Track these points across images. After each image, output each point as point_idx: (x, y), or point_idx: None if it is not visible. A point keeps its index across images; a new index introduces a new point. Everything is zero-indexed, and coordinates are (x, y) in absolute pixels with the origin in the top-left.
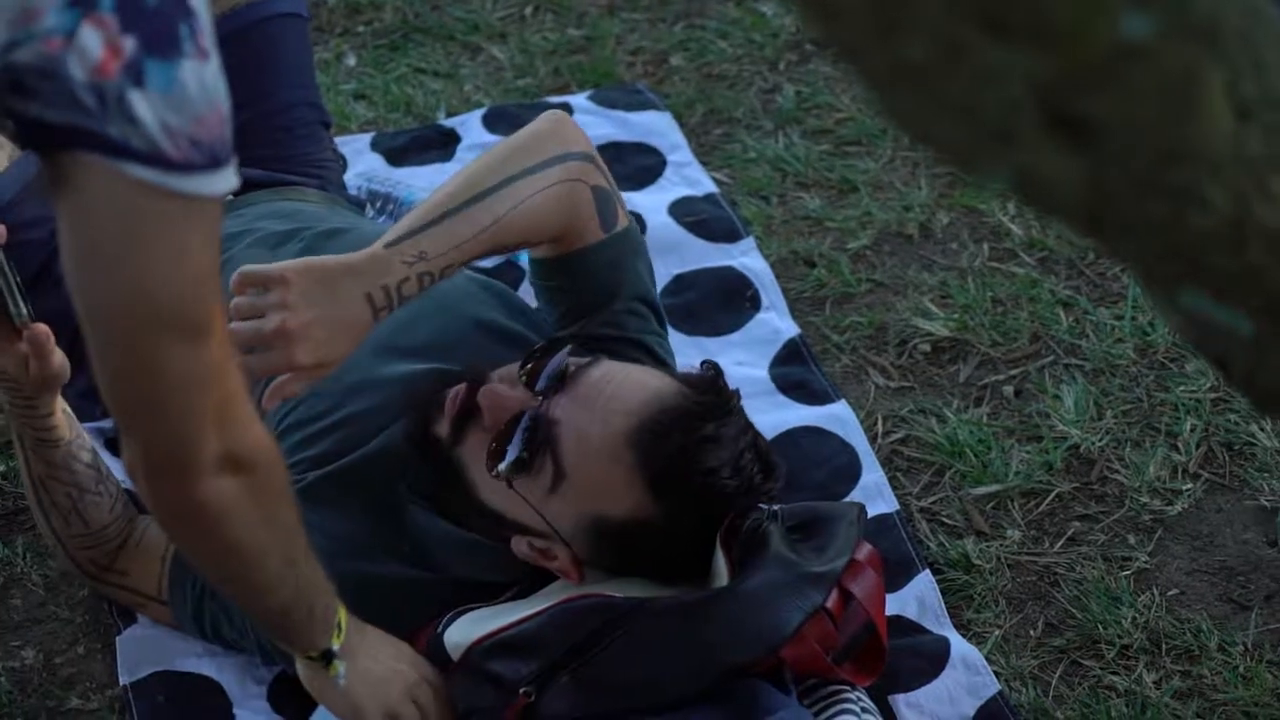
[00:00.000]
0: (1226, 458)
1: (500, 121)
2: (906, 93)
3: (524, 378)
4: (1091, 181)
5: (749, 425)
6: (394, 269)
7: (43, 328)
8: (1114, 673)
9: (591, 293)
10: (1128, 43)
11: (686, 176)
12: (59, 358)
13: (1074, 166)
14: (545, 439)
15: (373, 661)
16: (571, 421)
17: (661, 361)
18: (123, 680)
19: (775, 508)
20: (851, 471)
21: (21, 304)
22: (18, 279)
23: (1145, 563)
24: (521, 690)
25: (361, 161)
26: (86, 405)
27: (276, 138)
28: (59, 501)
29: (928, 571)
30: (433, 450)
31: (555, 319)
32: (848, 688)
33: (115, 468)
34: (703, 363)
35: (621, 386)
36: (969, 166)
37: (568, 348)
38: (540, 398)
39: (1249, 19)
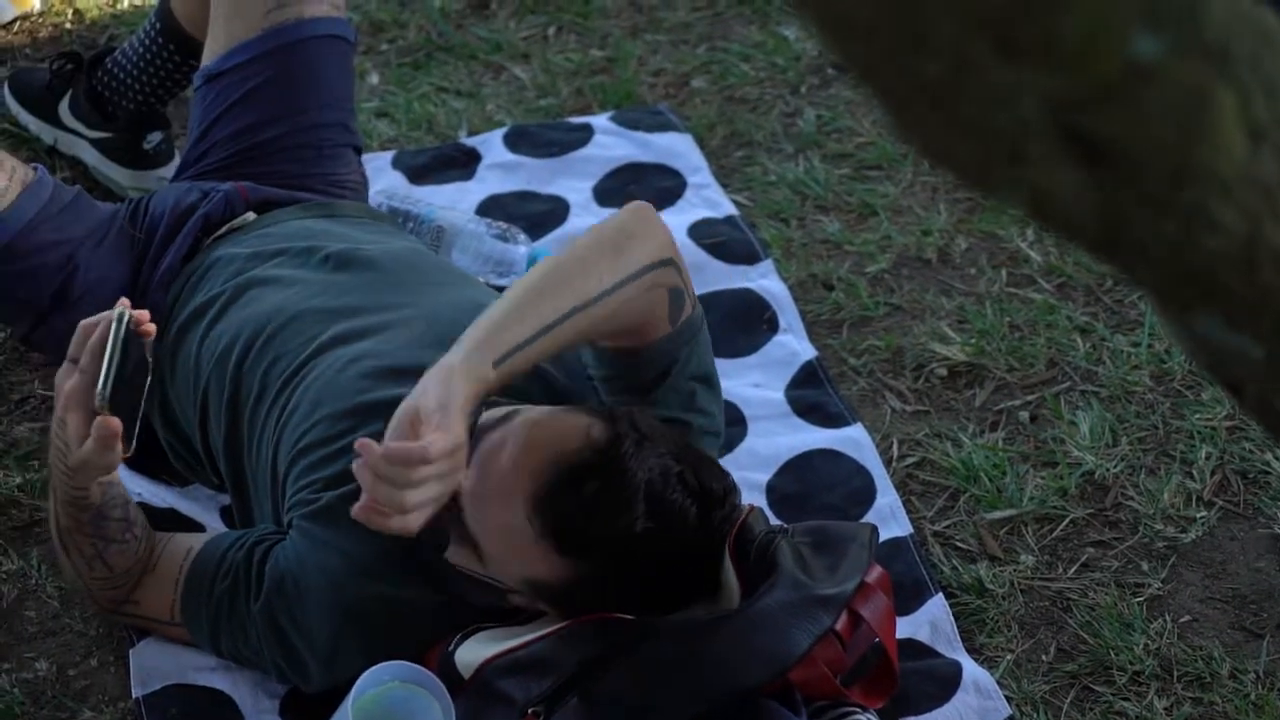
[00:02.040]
0: (1241, 486)
1: (522, 141)
2: (920, 112)
3: None
4: (1103, 201)
5: (676, 460)
6: (494, 387)
7: (115, 423)
8: (1125, 699)
9: (643, 378)
10: (1138, 63)
11: (706, 198)
12: (115, 456)
13: (1085, 186)
14: (455, 511)
15: None
16: (472, 494)
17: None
18: (135, 693)
19: (787, 526)
20: (866, 494)
21: (106, 386)
22: (117, 362)
23: (1158, 589)
24: (530, 710)
25: (382, 179)
26: None
27: (304, 155)
28: (83, 550)
29: (941, 595)
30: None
31: (605, 397)
32: (858, 709)
33: (134, 482)
34: (606, 406)
35: (514, 452)
36: (982, 186)
37: (491, 399)
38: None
39: (1261, 42)
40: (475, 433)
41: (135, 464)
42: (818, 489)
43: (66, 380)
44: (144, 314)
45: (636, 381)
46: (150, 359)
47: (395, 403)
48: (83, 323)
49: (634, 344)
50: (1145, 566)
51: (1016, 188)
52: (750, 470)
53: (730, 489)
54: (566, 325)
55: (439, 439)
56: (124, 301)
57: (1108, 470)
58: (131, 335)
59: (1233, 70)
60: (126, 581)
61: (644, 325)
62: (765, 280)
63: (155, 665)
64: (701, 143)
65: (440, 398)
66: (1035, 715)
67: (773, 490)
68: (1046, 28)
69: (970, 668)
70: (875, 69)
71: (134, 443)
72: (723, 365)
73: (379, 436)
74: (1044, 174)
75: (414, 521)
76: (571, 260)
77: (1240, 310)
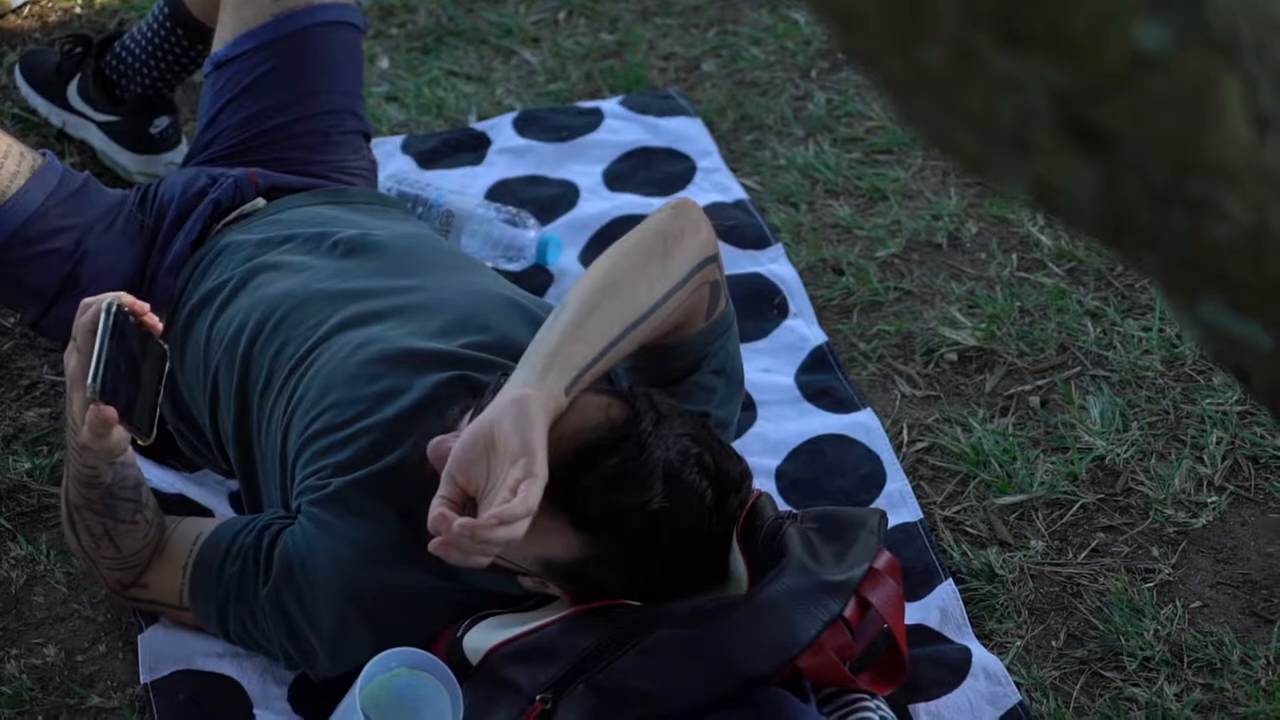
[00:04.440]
0: (1252, 471)
1: (531, 125)
2: (924, 100)
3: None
4: (1108, 191)
5: (694, 441)
6: (562, 405)
7: (109, 412)
8: (1135, 685)
9: (671, 371)
10: (1143, 53)
11: (716, 183)
12: (115, 440)
13: (1090, 176)
14: None
15: None
16: None
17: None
18: (143, 679)
19: (795, 511)
20: (876, 480)
21: (96, 378)
22: (106, 352)
23: (1168, 575)
24: (538, 697)
25: (392, 164)
26: None
27: (313, 142)
28: (91, 528)
29: (950, 581)
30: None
31: (627, 384)
32: (867, 696)
33: (143, 467)
34: (629, 386)
35: None
36: (985, 174)
37: (502, 382)
38: None
39: (1267, 30)
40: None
41: (143, 449)
42: (827, 474)
43: (69, 359)
44: (142, 306)
45: (664, 374)
46: (166, 347)
47: (404, 389)
48: (84, 301)
49: (668, 340)
50: (1156, 552)
51: (1021, 177)
52: (760, 456)
53: (745, 474)
54: (627, 340)
55: (533, 488)
56: (120, 295)
57: (1118, 455)
58: (129, 325)
59: (1239, 59)
60: (136, 563)
61: (685, 323)
62: (775, 265)
63: (164, 651)
64: (711, 127)
65: (523, 436)
66: (1045, 701)
67: (782, 476)
68: (1051, 18)
69: (980, 653)
70: (878, 58)
71: (154, 431)
72: None
73: (388, 422)
74: (1048, 164)
75: (493, 553)
76: (624, 269)
77: (1248, 298)
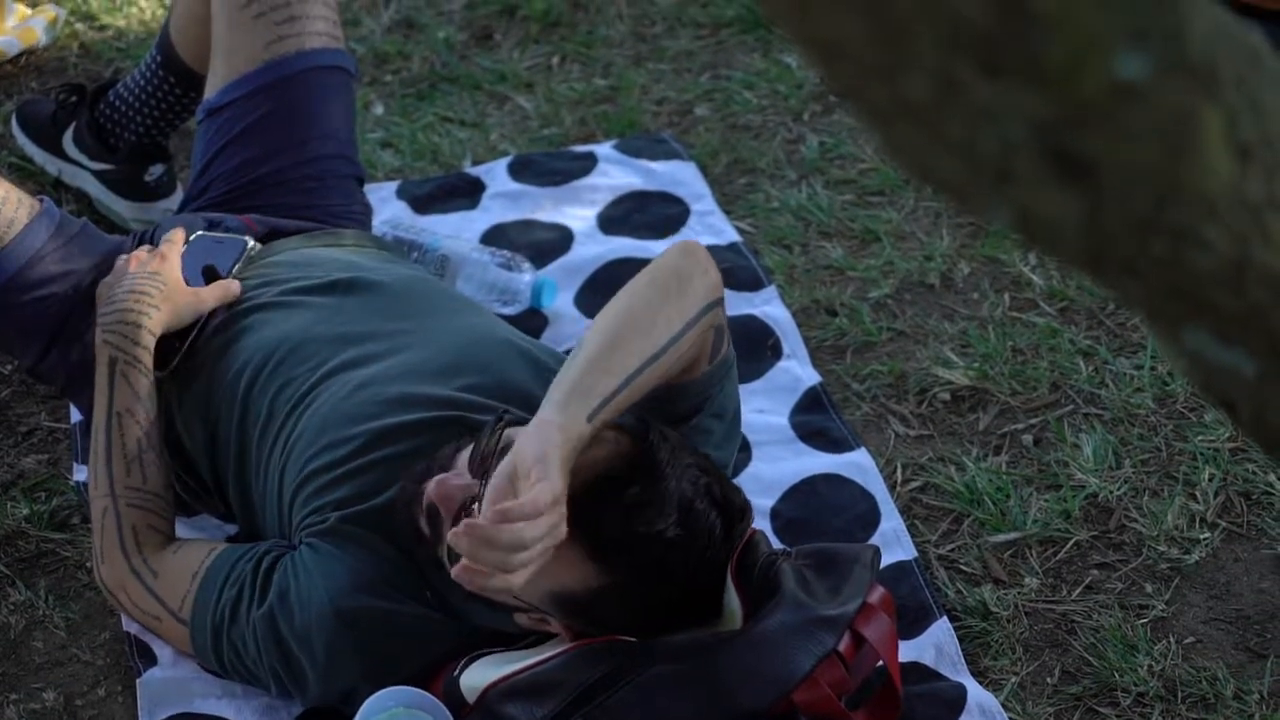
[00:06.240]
0: (1244, 507)
1: (526, 170)
2: (906, 131)
3: (472, 462)
4: (1090, 221)
5: (703, 472)
6: (587, 442)
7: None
8: None
9: (676, 412)
10: (1123, 83)
11: (710, 225)
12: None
13: (1072, 205)
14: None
15: None
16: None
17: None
18: None
19: (789, 549)
20: (870, 519)
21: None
22: None
23: (1162, 611)
24: None
25: (387, 209)
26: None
27: (307, 187)
28: (128, 443)
29: (945, 619)
30: (423, 547)
31: None
32: None
33: None
34: (635, 417)
35: None
36: (969, 204)
37: (504, 420)
38: (480, 482)
39: (1247, 63)
40: (498, 450)
41: None
42: (822, 514)
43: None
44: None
45: (668, 418)
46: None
47: (404, 427)
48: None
49: (674, 382)
50: (1149, 588)
51: (1004, 207)
52: (755, 496)
53: (747, 505)
54: (645, 375)
55: (543, 489)
56: None
57: (1111, 493)
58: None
59: (1218, 89)
60: (154, 510)
61: (691, 366)
62: (769, 306)
63: (162, 694)
64: (705, 170)
65: (537, 451)
66: None
67: (777, 515)
68: (1031, 48)
69: (975, 690)
70: (861, 89)
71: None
72: None
73: (387, 460)
74: (1031, 193)
75: (518, 579)
76: (639, 307)
77: (1231, 326)
